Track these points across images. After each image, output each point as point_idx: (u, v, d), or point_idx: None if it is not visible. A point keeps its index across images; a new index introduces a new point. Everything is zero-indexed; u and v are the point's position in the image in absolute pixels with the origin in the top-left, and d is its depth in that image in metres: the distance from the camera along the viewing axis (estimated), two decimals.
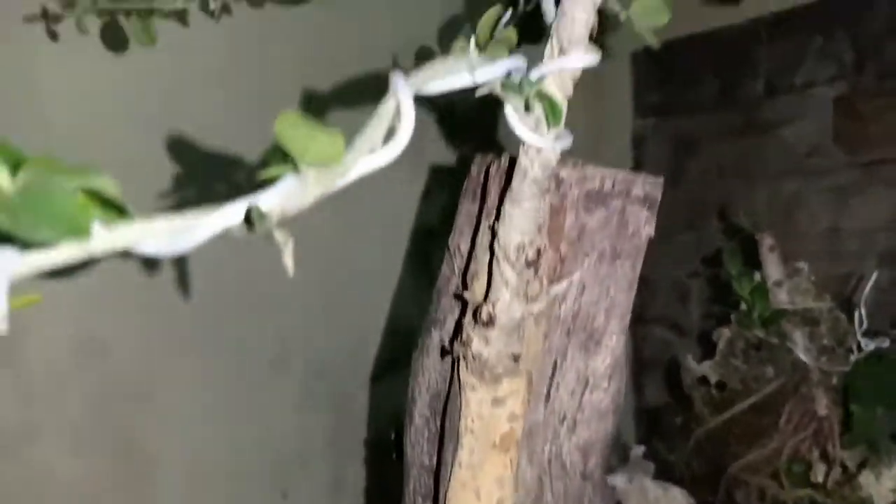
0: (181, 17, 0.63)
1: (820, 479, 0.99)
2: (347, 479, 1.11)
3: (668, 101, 1.47)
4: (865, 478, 0.96)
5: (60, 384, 0.85)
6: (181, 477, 0.94)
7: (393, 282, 1.15)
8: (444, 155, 1.14)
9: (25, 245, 0.26)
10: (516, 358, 0.52)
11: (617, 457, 1.31)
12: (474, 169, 0.61)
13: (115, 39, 0.72)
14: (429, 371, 0.63)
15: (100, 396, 0.88)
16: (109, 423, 0.89)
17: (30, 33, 0.72)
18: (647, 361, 1.49)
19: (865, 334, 0.98)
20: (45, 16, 0.68)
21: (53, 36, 0.69)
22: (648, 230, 0.56)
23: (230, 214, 0.30)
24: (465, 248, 0.60)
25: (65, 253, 0.27)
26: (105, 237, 0.27)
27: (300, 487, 1.06)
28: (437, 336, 0.62)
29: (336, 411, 1.09)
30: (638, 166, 1.53)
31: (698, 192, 1.43)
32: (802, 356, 0.97)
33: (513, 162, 0.53)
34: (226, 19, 0.64)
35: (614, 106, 1.49)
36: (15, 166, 0.25)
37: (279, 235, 0.31)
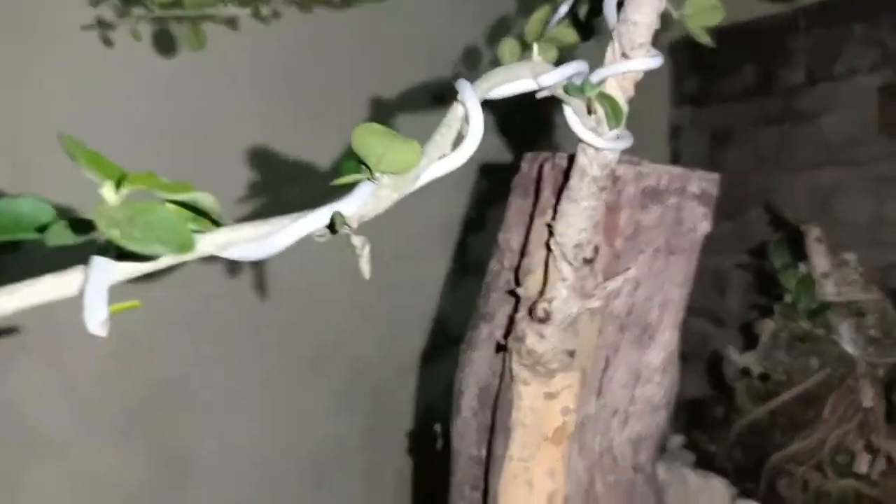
0: (231, 22, 0.64)
1: (864, 469, 0.98)
2: (383, 470, 1.12)
3: (705, 90, 1.45)
4: None
5: (102, 384, 0.87)
6: (219, 472, 0.96)
7: (427, 277, 1.16)
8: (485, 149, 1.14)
9: (121, 254, 0.27)
10: (571, 353, 0.52)
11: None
12: (525, 166, 0.61)
13: (165, 44, 0.73)
14: (477, 364, 0.64)
15: (140, 397, 0.90)
16: (150, 422, 0.91)
17: (86, 40, 0.74)
18: (685, 353, 1.48)
19: None
20: (101, 24, 0.70)
21: (108, 42, 0.71)
22: (705, 226, 0.56)
23: (314, 220, 0.31)
24: (515, 244, 0.60)
25: (161, 262, 0.28)
26: (199, 245, 0.28)
27: (337, 479, 1.07)
28: (487, 330, 0.63)
29: (373, 405, 1.10)
30: (675, 155, 1.52)
31: (736, 182, 1.42)
32: (848, 348, 0.96)
33: (569, 160, 0.53)
34: (275, 23, 0.65)
35: (651, 95, 1.48)
36: (117, 183, 0.26)
37: (357, 241, 0.32)
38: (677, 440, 1.32)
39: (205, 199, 0.26)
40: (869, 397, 0.98)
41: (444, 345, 1.05)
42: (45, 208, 0.27)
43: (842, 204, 1.27)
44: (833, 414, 0.99)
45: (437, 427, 0.82)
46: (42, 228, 0.27)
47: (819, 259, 0.97)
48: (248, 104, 0.93)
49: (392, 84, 1.01)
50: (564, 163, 0.55)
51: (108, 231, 0.22)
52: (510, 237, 0.61)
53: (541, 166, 0.57)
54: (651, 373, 0.59)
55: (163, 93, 0.84)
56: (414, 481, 1.13)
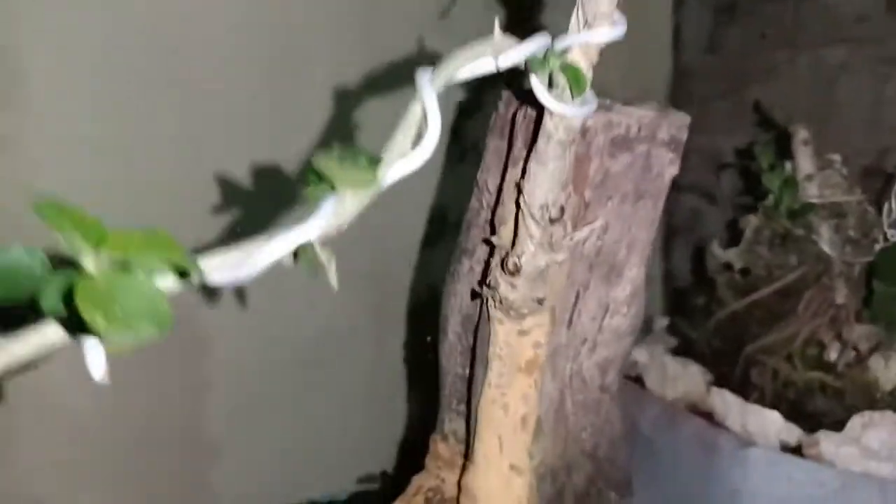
0: None
1: (833, 357, 1.04)
2: (386, 355, 1.18)
3: None
4: (875, 361, 1.01)
5: None
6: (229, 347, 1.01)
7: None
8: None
9: None
10: (541, 301, 0.56)
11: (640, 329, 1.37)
12: (501, 106, 0.62)
13: None
14: (460, 295, 0.68)
15: None
16: None
17: None
18: (676, 230, 1.50)
19: (893, 225, 1.00)
20: None
21: None
22: (672, 171, 0.58)
23: (282, 246, 0.33)
24: (493, 184, 0.63)
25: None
26: (171, 281, 0.31)
27: (341, 359, 1.13)
28: (468, 264, 0.67)
29: (377, 290, 1.13)
30: (677, 30, 1.47)
31: (738, 60, 1.38)
32: (826, 249, 0.99)
33: (538, 111, 0.54)
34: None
35: None
36: (97, 242, 0.28)
37: (323, 257, 0.35)
38: (662, 322, 1.39)
39: (180, 257, 0.28)
40: (843, 295, 1.02)
41: (443, 231, 1.08)
42: (38, 258, 0.29)
43: (845, 84, 1.25)
44: (807, 309, 1.04)
45: (429, 339, 0.87)
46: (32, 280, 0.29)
47: (804, 161, 0.98)
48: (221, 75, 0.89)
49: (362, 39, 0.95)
50: (535, 114, 0.56)
51: (91, 317, 0.24)
52: (487, 178, 0.63)
53: (514, 114, 0.58)
54: (618, 305, 0.63)
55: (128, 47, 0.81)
56: (410, 388, 1.20)
